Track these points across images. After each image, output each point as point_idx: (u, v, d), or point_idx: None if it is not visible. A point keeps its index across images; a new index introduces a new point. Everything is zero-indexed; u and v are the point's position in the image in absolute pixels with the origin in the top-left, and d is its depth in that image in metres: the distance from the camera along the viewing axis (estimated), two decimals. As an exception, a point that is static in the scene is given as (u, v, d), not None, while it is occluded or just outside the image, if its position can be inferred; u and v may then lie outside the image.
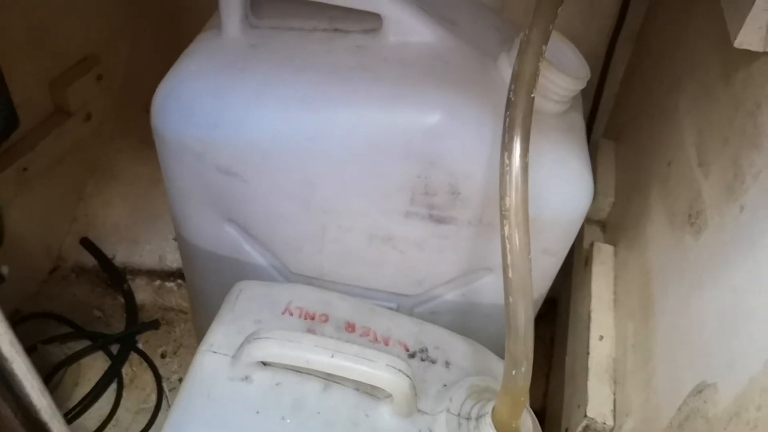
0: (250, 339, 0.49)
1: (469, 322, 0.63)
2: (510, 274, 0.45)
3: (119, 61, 0.94)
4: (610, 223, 0.80)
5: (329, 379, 0.51)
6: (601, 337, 0.63)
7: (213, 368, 0.51)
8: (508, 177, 0.45)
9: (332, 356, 0.47)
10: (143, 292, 0.96)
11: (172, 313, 0.93)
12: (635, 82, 0.88)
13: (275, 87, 0.51)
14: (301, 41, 0.55)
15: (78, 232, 0.98)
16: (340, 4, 0.52)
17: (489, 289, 0.60)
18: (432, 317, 0.61)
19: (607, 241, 0.76)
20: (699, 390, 0.41)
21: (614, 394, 0.58)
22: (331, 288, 0.60)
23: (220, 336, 0.53)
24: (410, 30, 0.53)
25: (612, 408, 0.57)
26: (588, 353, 0.62)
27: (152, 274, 0.98)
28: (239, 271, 0.62)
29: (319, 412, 0.49)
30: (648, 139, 0.73)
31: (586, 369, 0.60)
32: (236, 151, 0.52)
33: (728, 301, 0.41)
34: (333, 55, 0.53)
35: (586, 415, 0.57)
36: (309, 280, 0.61)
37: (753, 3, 0.43)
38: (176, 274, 0.98)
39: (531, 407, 0.51)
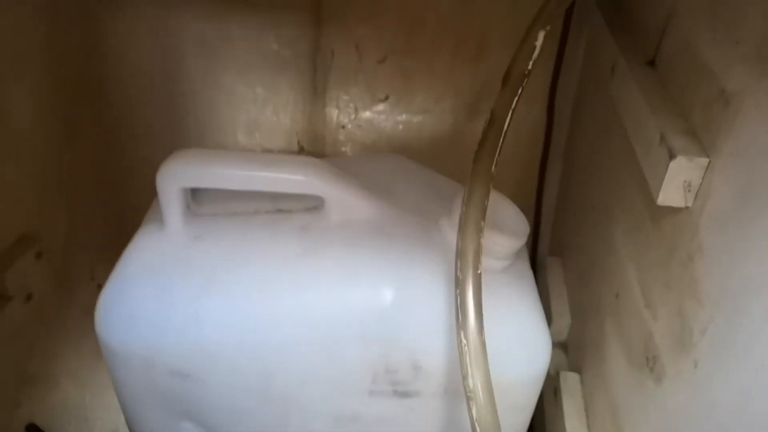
0: None
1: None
2: (483, 458, 0.44)
3: (58, 234, 0.92)
4: (570, 344, 0.81)
5: None
6: (584, 482, 0.62)
7: None
8: (467, 357, 0.45)
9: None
10: (97, 477, 0.88)
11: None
12: (570, 197, 0.91)
13: (220, 283, 0.51)
14: (245, 227, 0.55)
15: (23, 418, 0.91)
16: (279, 191, 0.53)
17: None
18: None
19: (571, 367, 0.77)
20: None
21: None
22: (301, 473, 0.57)
23: None
24: (351, 208, 0.54)
25: None
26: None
27: (106, 454, 0.91)
28: (201, 468, 0.58)
29: None
30: (592, 262, 0.75)
31: None
32: (186, 353, 0.51)
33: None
34: (277, 241, 0.54)
35: None
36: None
37: (667, 167, 0.46)
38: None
39: None
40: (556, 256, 0.94)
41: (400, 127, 0.99)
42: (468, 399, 0.44)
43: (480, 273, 0.46)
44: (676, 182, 0.46)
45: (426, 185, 0.63)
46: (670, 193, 0.47)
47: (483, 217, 0.48)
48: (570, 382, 0.72)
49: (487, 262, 0.55)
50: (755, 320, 0.37)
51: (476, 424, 0.44)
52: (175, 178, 0.52)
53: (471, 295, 0.45)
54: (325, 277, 0.51)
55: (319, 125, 0.97)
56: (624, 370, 0.58)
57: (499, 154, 0.49)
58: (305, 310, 0.50)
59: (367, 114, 0.98)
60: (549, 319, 0.84)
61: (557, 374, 0.75)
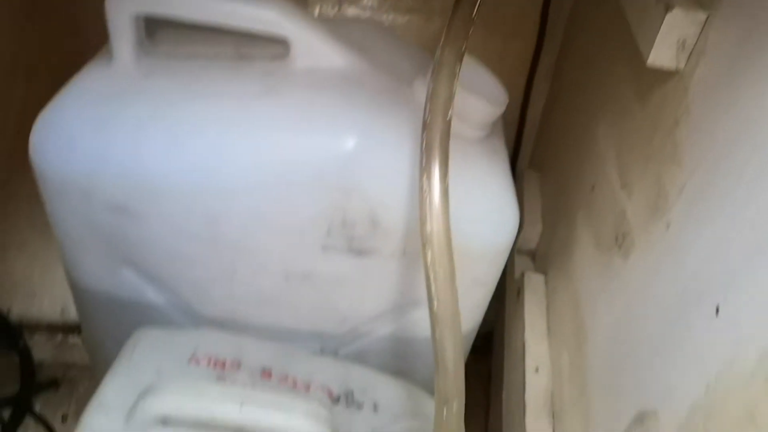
0: (145, 393, 0.43)
1: (400, 362, 0.59)
2: (435, 306, 0.42)
3: (12, 102, 0.86)
4: (539, 252, 0.79)
5: (241, 433, 0.45)
6: (537, 369, 0.61)
7: (104, 429, 0.44)
8: (427, 202, 0.42)
9: (241, 406, 0.41)
10: (42, 349, 0.86)
11: (75, 370, 0.84)
12: (555, 112, 0.89)
13: (167, 116, 0.47)
14: (202, 68, 0.51)
15: (-34, 287, 0.88)
16: (243, 29, 0.49)
17: (419, 324, 0.56)
18: (360, 358, 0.56)
19: (537, 271, 0.75)
20: (640, 419, 0.38)
21: (553, 428, 0.55)
22: (247, 331, 0.55)
23: (112, 392, 0.46)
24: (319, 55, 0.50)
25: (551, 446, 0.54)
26: (524, 387, 0.59)
27: (53, 328, 0.88)
28: (142, 318, 0.55)
29: (228, 476, 0.43)
30: (571, 166, 0.72)
31: (522, 405, 0.57)
32: (126, 188, 0.47)
33: (659, 320, 0.39)
34: (236, 81, 0.49)
35: (524, 454, 0.53)
36: (221, 324, 0.55)
37: (662, 21, 0.42)
38: (80, 329, 0.88)
39: None
40: (535, 169, 0.91)
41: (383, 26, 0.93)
42: (423, 245, 0.41)
43: (449, 120, 0.43)
44: (670, 39, 0.43)
45: (403, 53, 0.58)
46: (662, 52, 0.43)
47: (459, 61, 0.44)
48: (534, 281, 0.71)
49: (461, 129, 0.52)
50: (730, 178, 0.34)
51: (429, 271, 0.41)
52: (126, 0, 0.47)
53: (438, 139, 0.42)
54: (283, 119, 0.47)
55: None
56: (591, 258, 0.56)
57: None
58: (259, 152, 0.46)
59: (352, 10, 0.92)
60: (520, 227, 0.83)
61: (522, 276, 0.73)
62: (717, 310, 0.32)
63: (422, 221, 0.42)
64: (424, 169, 0.42)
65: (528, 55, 0.93)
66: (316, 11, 0.90)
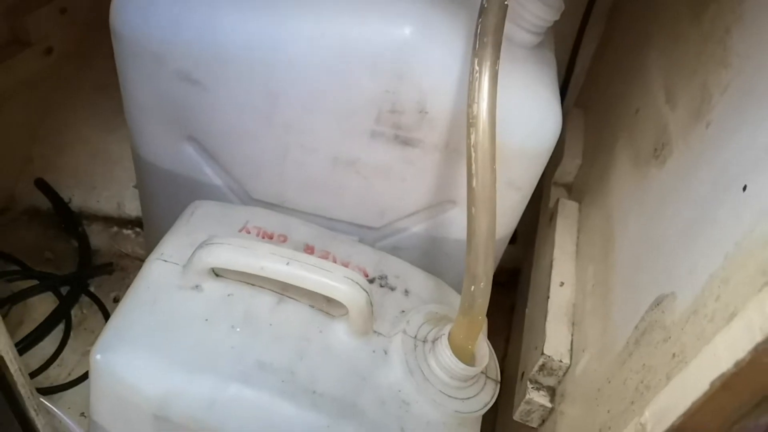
0: (202, 245, 0.47)
1: (432, 261, 0.62)
2: (474, 184, 0.44)
3: (86, -4, 0.90)
4: (576, 184, 0.80)
5: (284, 293, 0.49)
6: (562, 284, 0.63)
7: (162, 276, 0.49)
8: (477, 84, 0.44)
9: (288, 264, 0.45)
10: (99, 238, 0.92)
11: (127, 260, 0.90)
12: (606, 55, 0.89)
13: (241, -9, 0.50)
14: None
15: (33, 173, 0.94)
16: None
17: (453, 224, 0.59)
18: (395, 253, 0.59)
19: (572, 200, 0.76)
20: (657, 303, 0.40)
21: (572, 335, 0.58)
22: (293, 215, 0.58)
23: (171, 247, 0.51)
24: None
25: (569, 348, 0.56)
26: (548, 298, 0.61)
27: (109, 220, 0.94)
28: (197, 193, 0.60)
29: (270, 324, 0.47)
30: (616, 99, 0.73)
31: (545, 312, 0.60)
32: (197, 56, 0.50)
33: (691, 214, 0.40)
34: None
35: (543, 353, 0.56)
36: (270, 207, 0.59)
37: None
38: (134, 222, 0.94)
39: None
40: (581, 108, 0.92)
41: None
42: (469, 125, 0.44)
43: (506, 5, 0.44)
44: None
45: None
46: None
47: (521, -46, 0.46)
48: (568, 207, 0.72)
49: (514, 32, 0.54)
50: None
51: (472, 150, 0.44)
52: None
53: (493, 25, 0.44)
54: (346, 2, 0.49)
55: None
56: (627, 176, 0.58)
57: None
58: (321, 32, 0.49)
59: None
60: (558, 160, 0.84)
61: (556, 203, 0.75)
62: (744, 188, 0.33)
63: (470, 102, 0.44)
64: (477, 53, 0.44)
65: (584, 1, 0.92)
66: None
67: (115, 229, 0.94)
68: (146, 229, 0.75)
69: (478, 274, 0.45)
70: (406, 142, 0.53)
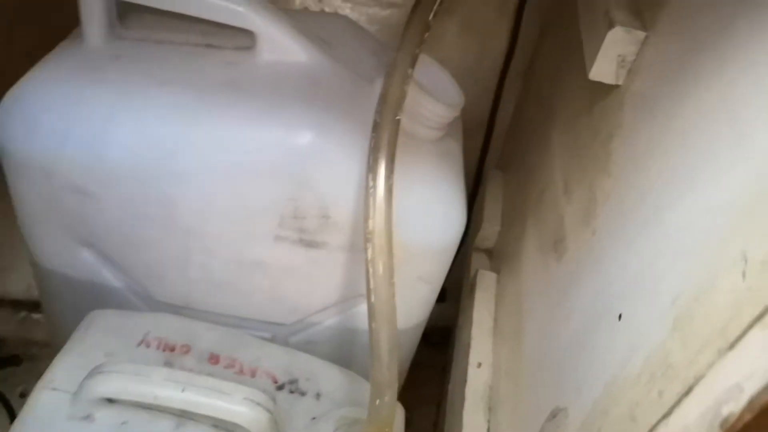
0: (92, 373, 0.44)
1: (347, 352, 0.61)
2: (373, 299, 0.44)
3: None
4: (496, 251, 0.82)
5: (184, 416, 0.47)
6: (479, 365, 0.63)
7: (51, 407, 0.46)
8: (372, 199, 0.44)
9: (183, 390, 0.43)
10: (5, 324, 0.87)
11: (36, 347, 0.85)
12: (523, 116, 0.91)
13: (132, 100, 0.48)
14: (169, 54, 0.52)
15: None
16: (212, 19, 0.50)
17: (365, 316, 0.58)
18: (309, 347, 0.58)
19: (492, 269, 0.77)
20: (554, 415, 0.40)
21: (488, 422, 0.57)
22: (200, 318, 0.56)
23: (62, 371, 0.48)
24: (284, 49, 0.52)
25: (486, 436, 0.56)
26: (466, 381, 0.61)
27: (17, 304, 0.89)
28: (100, 300, 0.57)
29: (169, 453, 0.45)
30: (528, 169, 0.75)
31: (462, 398, 0.60)
32: (88, 169, 0.48)
33: (577, 322, 0.41)
34: (201, 71, 0.51)
35: (460, 445, 0.56)
36: (176, 309, 0.57)
37: (604, 37, 0.45)
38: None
39: None
40: (500, 170, 0.94)
41: (364, 18, 0.95)
42: (365, 241, 0.44)
43: (398, 120, 0.45)
44: (611, 55, 0.45)
45: (370, 49, 0.60)
46: (603, 67, 0.46)
47: (412, 64, 0.46)
48: (486, 279, 0.73)
49: (416, 129, 0.54)
50: (646, 183, 0.37)
51: (369, 266, 0.43)
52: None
53: (386, 139, 0.44)
54: (243, 110, 0.49)
55: (282, 4, 0.92)
56: (534, 260, 0.59)
57: (439, 4, 0.47)
58: (217, 140, 0.48)
59: (335, 1, 0.93)
60: (479, 225, 0.85)
61: (476, 274, 0.75)
62: (620, 317, 0.34)
63: (365, 218, 0.44)
64: (371, 168, 0.44)
65: (501, 58, 0.95)
66: (298, 1, 0.91)
67: (24, 313, 0.88)
68: (51, 335, 0.71)
69: (382, 388, 0.45)
70: (310, 244, 0.52)
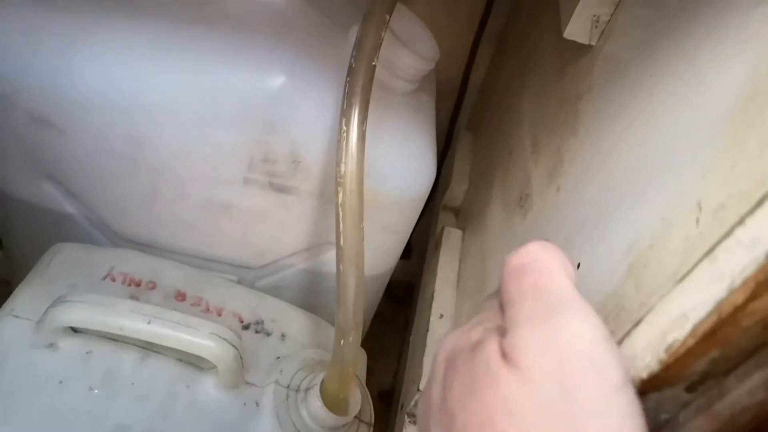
0: (56, 302, 0.44)
1: (314, 298, 0.62)
2: (341, 243, 0.45)
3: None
4: (462, 210, 0.83)
5: (149, 348, 0.47)
6: (441, 316, 0.65)
7: (12, 334, 0.46)
8: (344, 144, 0.44)
9: (149, 322, 0.44)
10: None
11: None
12: (496, 78, 0.92)
13: (98, 32, 0.47)
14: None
15: None
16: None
17: (333, 262, 0.59)
18: (275, 291, 0.59)
19: (458, 227, 0.79)
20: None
21: (446, 369, 0.60)
22: (166, 257, 0.56)
23: (24, 300, 0.48)
24: (258, -12, 0.51)
25: (443, 383, 0.59)
26: (427, 331, 0.63)
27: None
28: (63, 233, 0.56)
29: (133, 383, 0.46)
30: (498, 130, 0.76)
31: (423, 346, 0.62)
32: (50, 99, 0.47)
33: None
34: (169, 4, 0.49)
35: (418, 389, 0.58)
36: (141, 247, 0.57)
37: (581, -4, 0.45)
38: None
39: (380, 388, 0.51)
40: (471, 131, 0.95)
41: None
42: (336, 184, 0.44)
43: (374, 66, 0.45)
44: (586, 15, 0.46)
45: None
46: (578, 27, 0.46)
47: (389, 12, 0.46)
48: (452, 236, 0.75)
49: (390, 81, 0.54)
50: (611, 142, 0.38)
51: (339, 209, 0.44)
52: None
53: (360, 85, 0.44)
54: (212, 49, 0.48)
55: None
56: (498, 216, 0.61)
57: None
58: (186, 78, 0.47)
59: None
60: (447, 184, 0.86)
61: (442, 231, 0.77)
62: (578, 266, 0.36)
63: (338, 162, 0.44)
64: (344, 113, 0.44)
65: (476, 19, 0.95)
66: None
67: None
68: (10, 268, 0.70)
69: (347, 329, 0.46)
70: (280, 189, 0.52)
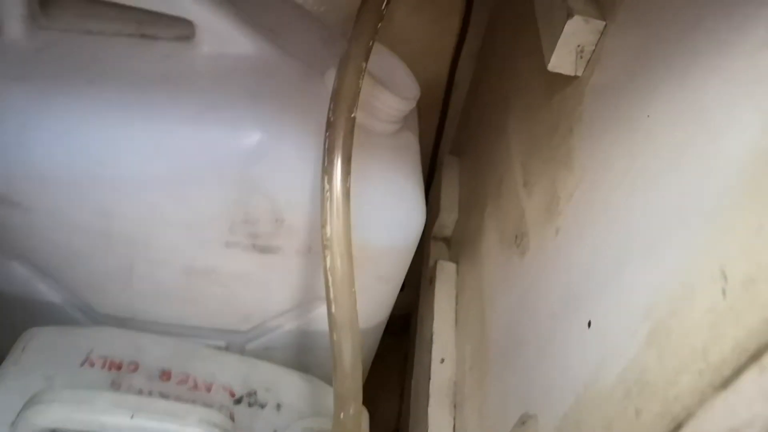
0: (30, 403, 0.41)
1: (306, 355, 0.59)
2: (333, 309, 0.42)
3: None
4: (453, 239, 0.81)
5: (135, 439, 0.44)
6: (443, 360, 0.62)
7: (-16, 441, 0.42)
8: (328, 203, 0.41)
9: (132, 417, 0.40)
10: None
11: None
12: (477, 99, 0.90)
13: (57, 100, 0.44)
14: (99, 47, 0.48)
15: None
16: (146, 7, 0.46)
17: (325, 318, 0.56)
18: (267, 353, 0.56)
19: (451, 258, 0.76)
20: (523, 421, 0.40)
21: (454, 419, 0.57)
22: (148, 329, 0.53)
23: (-5, 400, 0.44)
24: (227, 40, 0.48)
25: (452, 433, 0.56)
26: (429, 378, 0.60)
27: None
28: (36, 315, 0.53)
29: (120, 481, 0.42)
30: (485, 156, 0.74)
31: (427, 395, 0.59)
32: (9, 177, 0.44)
33: (544, 326, 0.40)
34: (135, 65, 0.47)
35: (426, 444, 0.55)
36: (121, 322, 0.53)
37: (563, 27, 0.43)
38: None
39: (384, 429, 0.48)
40: (456, 155, 0.92)
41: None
42: (324, 247, 0.41)
43: (354, 117, 0.42)
44: (570, 46, 0.44)
45: (319, 37, 0.57)
46: (562, 58, 0.44)
47: (366, 58, 0.44)
48: (446, 270, 0.72)
49: (371, 123, 0.52)
50: (611, 182, 0.36)
51: (329, 274, 0.41)
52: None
53: (341, 139, 0.41)
54: (183, 108, 0.45)
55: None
56: (495, 252, 0.58)
57: (391, -7, 0.44)
58: (155, 143, 0.44)
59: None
60: (437, 214, 0.84)
61: (435, 264, 0.74)
62: (589, 324, 0.33)
63: (323, 224, 0.41)
64: (326, 170, 0.41)
65: (454, 37, 0.93)
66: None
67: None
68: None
69: (346, 400, 0.43)
70: (264, 249, 0.49)
